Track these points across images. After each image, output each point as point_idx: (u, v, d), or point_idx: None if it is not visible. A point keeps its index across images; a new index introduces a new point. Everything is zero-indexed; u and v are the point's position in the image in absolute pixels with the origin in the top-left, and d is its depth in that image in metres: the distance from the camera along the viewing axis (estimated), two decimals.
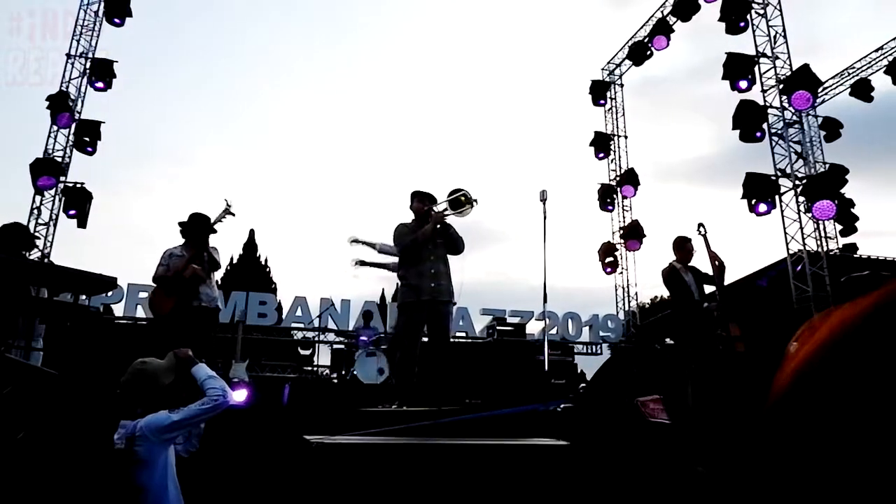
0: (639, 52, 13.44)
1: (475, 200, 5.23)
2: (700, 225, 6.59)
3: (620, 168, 14.33)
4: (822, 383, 0.34)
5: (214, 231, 5.82)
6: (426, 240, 5.14)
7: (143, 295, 10.87)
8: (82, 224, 10.70)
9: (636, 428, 2.86)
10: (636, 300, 14.05)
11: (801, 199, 9.37)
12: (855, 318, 0.34)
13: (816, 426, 0.33)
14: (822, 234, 10.31)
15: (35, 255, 9.92)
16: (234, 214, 5.73)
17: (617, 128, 14.71)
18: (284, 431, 3.81)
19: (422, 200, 5.34)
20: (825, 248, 9.94)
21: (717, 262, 6.52)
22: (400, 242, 5.21)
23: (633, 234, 13.50)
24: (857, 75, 13.14)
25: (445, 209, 5.23)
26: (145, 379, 2.60)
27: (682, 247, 6.73)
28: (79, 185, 10.71)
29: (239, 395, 4.42)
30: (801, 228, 9.43)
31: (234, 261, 32.61)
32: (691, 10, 11.91)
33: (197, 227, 5.77)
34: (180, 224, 5.80)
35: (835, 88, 13.71)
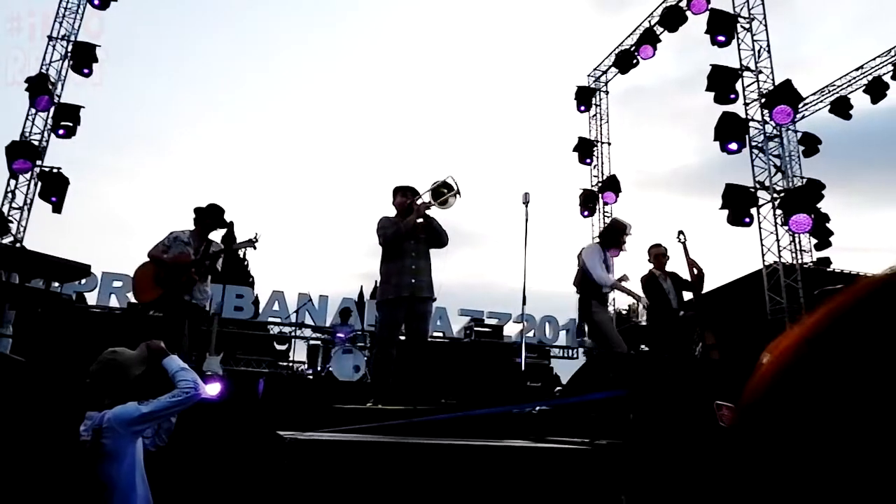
0: (625, 61, 13.55)
1: (458, 192, 5.17)
2: (680, 232, 6.66)
3: (603, 174, 14.44)
4: (784, 392, 0.34)
5: (226, 224, 5.83)
6: (409, 234, 5.10)
7: (118, 284, 10.73)
8: (58, 210, 10.51)
9: (709, 432, 2.85)
10: (613, 306, 14.16)
11: (779, 211, 9.52)
12: (815, 326, 0.35)
13: (777, 435, 0.33)
14: (798, 247, 10.48)
15: (7, 239, 9.72)
16: (255, 248, 5.68)
17: (601, 134, 14.83)
18: (258, 427, 3.77)
19: (404, 194, 5.29)
20: (800, 261, 10.11)
21: (695, 270, 6.59)
22: (382, 234, 5.15)
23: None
24: (837, 93, 13.37)
25: (428, 201, 5.19)
26: (115, 369, 2.55)
27: (654, 252, 6.80)
28: (55, 170, 10.52)
29: (212, 389, 4.37)
30: (778, 241, 9.58)
31: None
32: (678, 21, 12.04)
33: (210, 219, 5.72)
34: (196, 210, 5.73)
35: (815, 105, 13.94)
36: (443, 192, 5.17)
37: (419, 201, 5.19)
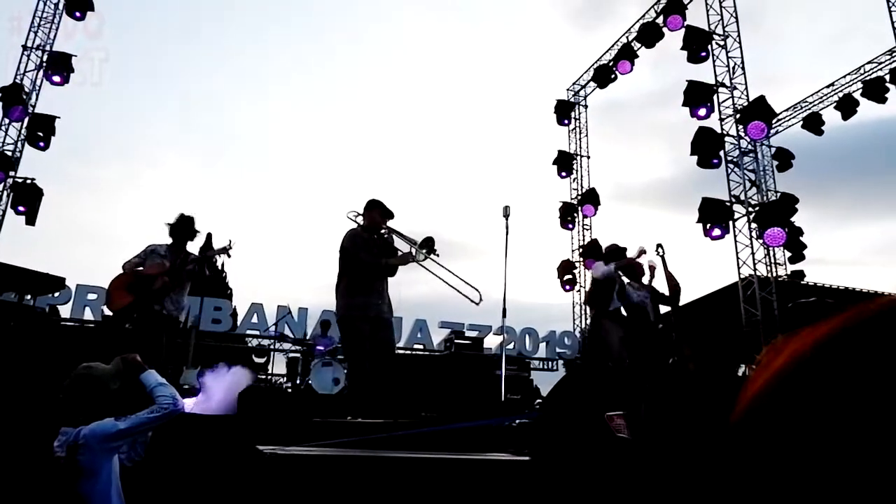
0: (603, 75, 13.74)
1: (436, 253, 5.25)
2: (659, 245, 6.73)
3: (582, 187, 14.58)
4: (775, 412, 0.34)
5: (197, 233, 5.78)
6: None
7: (92, 297, 10.56)
8: (31, 221, 10.33)
9: (603, 443, 2.88)
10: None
11: (754, 225, 9.68)
12: (807, 348, 0.35)
13: (768, 454, 0.33)
14: (772, 260, 10.67)
15: None
16: (230, 256, 5.62)
17: (580, 148, 14.98)
18: (236, 440, 3.73)
19: (383, 215, 5.29)
20: (774, 274, 10.28)
21: (672, 283, 6.66)
22: (355, 255, 5.09)
23: (592, 252, 13.68)
24: (810, 109, 13.67)
25: (419, 258, 5.22)
26: (90, 384, 2.50)
27: (630, 268, 6.86)
28: (29, 182, 10.35)
29: (218, 405, 4.31)
30: (753, 254, 9.74)
31: None
32: (655, 37, 12.26)
33: (183, 230, 5.67)
34: (168, 226, 5.69)
35: (788, 120, 14.24)
36: (424, 252, 5.22)
37: (413, 253, 5.21)
